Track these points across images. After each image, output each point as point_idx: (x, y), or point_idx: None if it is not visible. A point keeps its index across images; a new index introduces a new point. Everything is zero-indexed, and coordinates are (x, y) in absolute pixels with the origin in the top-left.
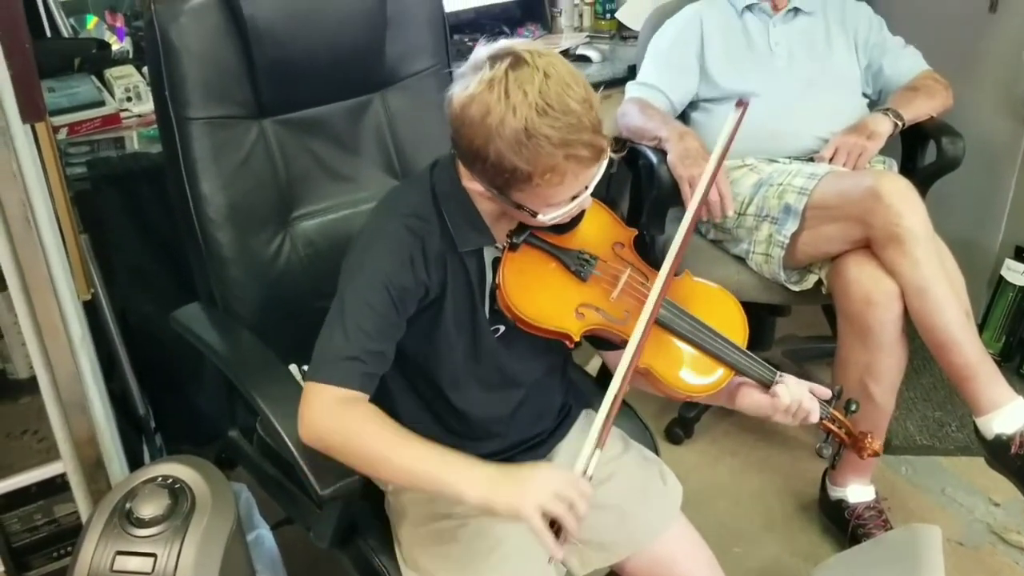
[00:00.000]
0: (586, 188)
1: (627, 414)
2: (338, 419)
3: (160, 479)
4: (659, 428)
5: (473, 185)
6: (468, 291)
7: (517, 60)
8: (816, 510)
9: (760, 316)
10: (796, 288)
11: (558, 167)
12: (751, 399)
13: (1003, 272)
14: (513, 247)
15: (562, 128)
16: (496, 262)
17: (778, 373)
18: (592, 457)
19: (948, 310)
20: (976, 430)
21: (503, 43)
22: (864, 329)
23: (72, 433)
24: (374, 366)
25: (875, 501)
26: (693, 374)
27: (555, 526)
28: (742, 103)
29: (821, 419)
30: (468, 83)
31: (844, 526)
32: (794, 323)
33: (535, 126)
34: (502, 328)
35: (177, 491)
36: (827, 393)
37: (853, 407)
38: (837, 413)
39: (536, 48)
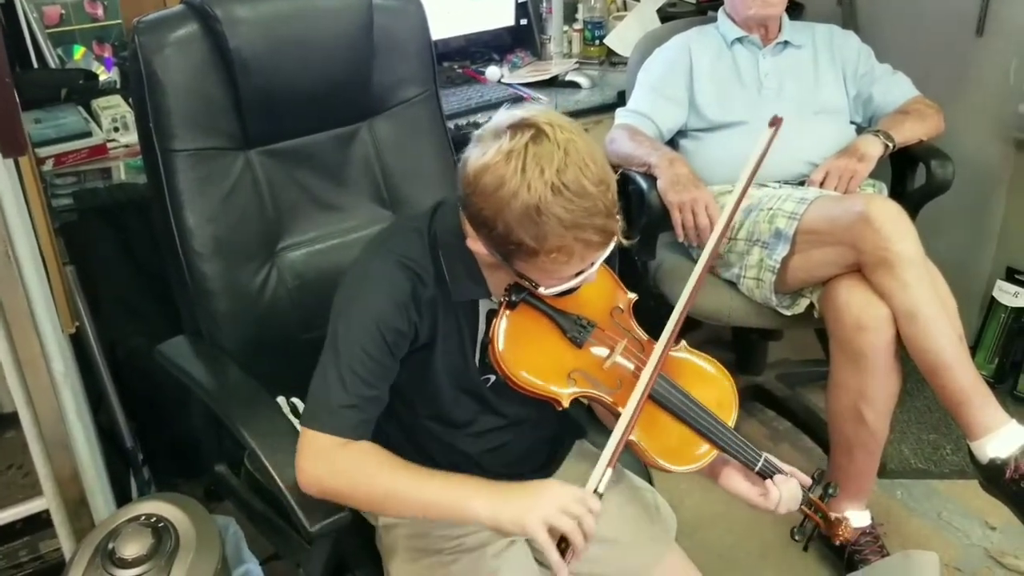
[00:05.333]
0: (592, 265)
1: None
2: (338, 463)
3: (144, 518)
4: None
5: (477, 247)
6: (459, 340)
7: (538, 134)
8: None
9: (752, 340)
10: (788, 312)
11: (566, 247)
12: (734, 482)
13: (995, 293)
14: (511, 305)
15: (575, 211)
16: (491, 314)
17: (763, 456)
18: (604, 474)
19: (940, 334)
20: (970, 454)
21: (526, 113)
22: (856, 354)
23: (55, 471)
24: (370, 411)
25: (871, 527)
26: (677, 451)
27: (562, 544)
28: (776, 120)
29: (800, 506)
30: (486, 150)
31: (840, 553)
32: (787, 347)
33: (547, 205)
34: (493, 378)
35: (161, 530)
36: (808, 480)
37: (831, 491)
38: (815, 499)
39: (559, 122)
